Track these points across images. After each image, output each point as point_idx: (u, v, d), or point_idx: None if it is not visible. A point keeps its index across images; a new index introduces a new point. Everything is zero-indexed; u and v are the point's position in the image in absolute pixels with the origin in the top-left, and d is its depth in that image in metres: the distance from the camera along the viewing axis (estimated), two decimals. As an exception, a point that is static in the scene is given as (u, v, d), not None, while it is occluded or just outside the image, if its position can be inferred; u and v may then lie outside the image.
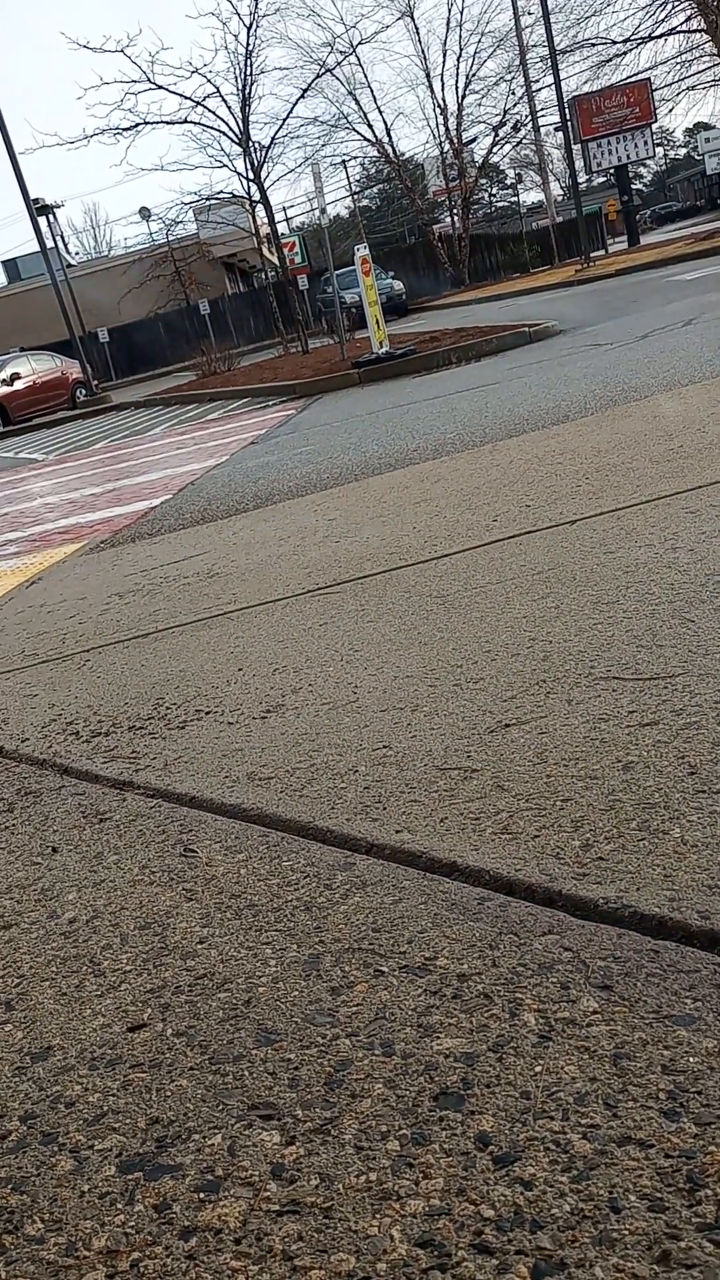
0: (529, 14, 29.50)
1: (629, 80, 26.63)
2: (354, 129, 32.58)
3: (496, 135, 32.71)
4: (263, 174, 19.72)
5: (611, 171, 28.16)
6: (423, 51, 42.22)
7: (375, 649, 2.15)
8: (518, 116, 31.95)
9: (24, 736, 2.16)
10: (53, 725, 2.19)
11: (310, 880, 1.33)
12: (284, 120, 21.97)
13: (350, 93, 32.12)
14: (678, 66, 26.64)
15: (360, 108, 34.28)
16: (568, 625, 1.99)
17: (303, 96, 28.82)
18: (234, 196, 22.10)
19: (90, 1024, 1.15)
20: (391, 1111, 0.92)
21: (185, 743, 1.90)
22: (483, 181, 38.12)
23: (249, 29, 18.71)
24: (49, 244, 22.03)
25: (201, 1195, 0.89)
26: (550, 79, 26.73)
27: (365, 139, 32.60)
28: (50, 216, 22.64)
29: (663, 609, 1.94)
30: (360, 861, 1.34)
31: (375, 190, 46.05)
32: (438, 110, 32.76)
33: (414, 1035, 1.01)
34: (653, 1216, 0.76)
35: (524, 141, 34.08)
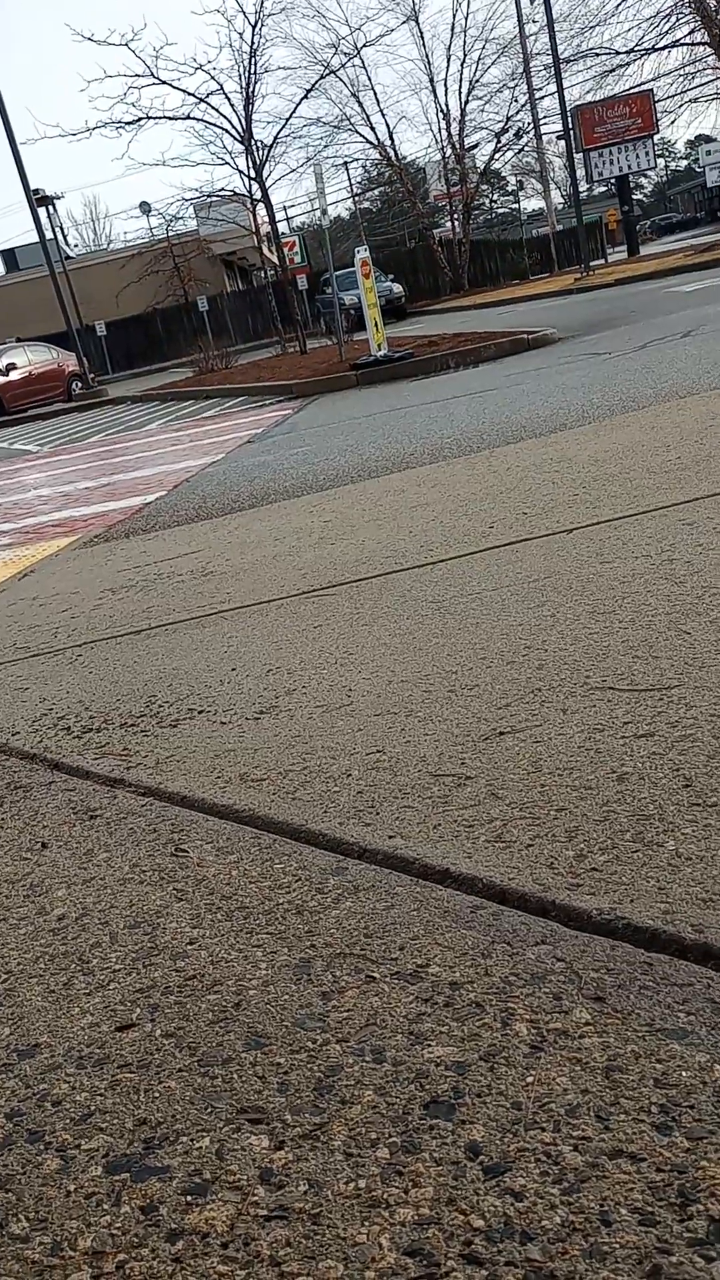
0: (533, 22, 29.57)
1: (632, 91, 26.74)
2: (356, 131, 32.56)
3: (498, 142, 32.78)
4: (264, 173, 19.72)
5: (612, 181, 28.27)
6: (427, 56, 42.29)
7: (370, 653, 2.15)
8: (520, 124, 32.02)
9: (15, 730, 2.15)
10: (44, 720, 2.18)
11: (302, 884, 1.32)
12: (287, 120, 22.00)
13: (354, 94, 32.06)
14: (680, 79, 26.76)
15: (363, 110, 34.28)
16: (563, 634, 1.99)
17: (306, 96, 28.74)
18: (235, 194, 22.09)
19: (78, 1022, 1.14)
20: (381, 1119, 0.92)
21: (177, 741, 1.89)
22: (484, 188, 38.20)
23: (254, 27, 18.77)
24: (48, 235, 21.95)
25: (189, 1198, 0.88)
26: (553, 87, 26.79)
27: (368, 141, 32.62)
28: (50, 208, 22.55)
29: (659, 620, 1.95)
30: (352, 866, 1.34)
31: (376, 193, 46.05)
32: (440, 115, 32.80)
33: (405, 1042, 1.00)
34: (644, 1230, 0.76)
35: (526, 149, 34.17)
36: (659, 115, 26.95)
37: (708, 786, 1.33)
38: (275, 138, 20.41)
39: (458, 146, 32.50)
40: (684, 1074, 0.89)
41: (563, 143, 28.39)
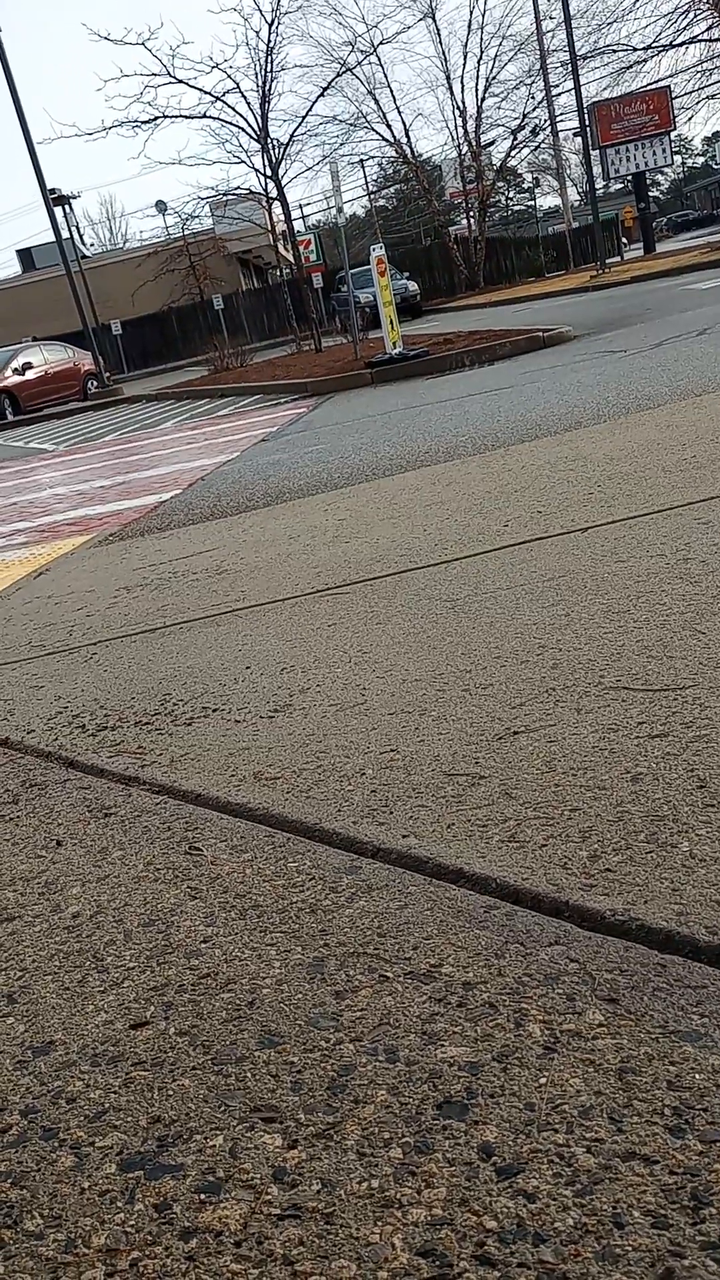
0: (550, 19, 29.43)
1: (649, 88, 26.59)
2: (373, 128, 32.52)
3: (515, 139, 32.66)
4: (280, 171, 19.72)
5: (629, 178, 28.12)
6: (443, 53, 42.14)
7: (384, 651, 2.15)
8: (536, 121, 31.88)
9: (30, 728, 2.16)
10: (59, 718, 2.19)
11: (316, 882, 1.32)
12: (303, 118, 22.04)
13: (370, 92, 32.01)
14: (698, 75, 26.59)
15: (379, 107, 34.29)
16: (578, 633, 1.99)
17: (322, 95, 28.74)
18: (251, 193, 22.10)
19: (93, 1020, 1.15)
20: (394, 1118, 0.92)
21: (192, 740, 1.90)
22: (500, 185, 38.07)
23: (270, 25, 18.73)
24: (64, 234, 22.03)
25: (202, 1196, 0.88)
26: (570, 84, 26.69)
27: (384, 139, 32.57)
28: (66, 207, 22.63)
29: (674, 620, 1.94)
30: (366, 865, 1.34)
31: (392, 190, 45.99)
32: (457, 112, 32.70)
33: (418, 1042, 1.00)
34: (656, 1233, 0.76)
35: (542, 146, 34.05)
36: (676, 112, 26.79)
37: (723, 787, 1.32)
38: (291, 136, 20.42)
39: (474, 144, 32.41)
40: (697, 1076, 0.89)
41: (579, 140, 28.28)
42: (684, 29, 25.05)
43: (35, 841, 1.63)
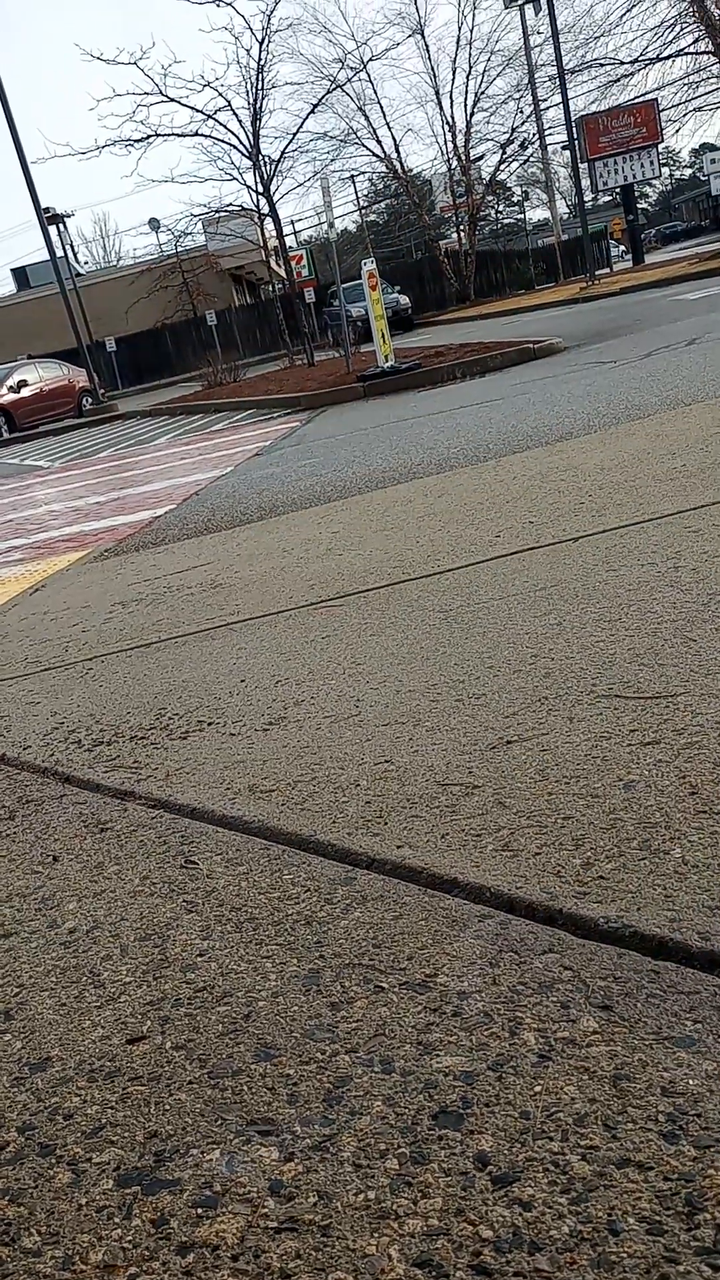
0: (538, 34, 29.75)
1: (636, 101, 26.84)
2: (363, 144, 32.76)
3: (504, 153, 32.90)
4: (272, 187, 19.84)
5: (617, 191, 28.35)
6: (432, 69, 42.44)
7: (378, 663, 2.16)
8: (525, 135, 32.15)
9: (25, 744, 2.16)
10: (55, 733, 2.19)
11: (311, 894, 1.33)
12: (294, 135, 22.15)
13: (360, 108, 32.25)
14: (685, 88, 26.79)
15: (370, 123, 34.52)
16: (570, 642, 2.00)
17: (313, 111, 29.02)
18: (243, 209, 22.23)
19: (89, 1035, 1.15)
20: (390, 1129, 0.92)
21: (187, 753, 1.90)
22: (489, 198, 38.30)
23: (261, 44, 18.85)
24: (58, 253, 22.16)
25: (199, 1211, 0.89)
26: (558, 98, 26.93)
27: (374, 154, 32.80)
28: (60, 226, 22.79)
29: (665, 628, 1.95)
30: (361, 876, 1.34)
31: (383, 205, 46.26)
32: (446, 127, 32.98)
33: (414, 1053, 1.01)
34: (651, 1240, 0.76)
35: (531, 160, 34.32)
36: (663, 124, 27.05)
37: (714, 794, 1.33)
38: (283, 153, 20.54)
39: (463, 158, 32.66)
40: (691, 1082, 0.89)
41: (568, 153, 28.52)
42: (671, 42, 25.29)
43: (32, 857, 1.63)
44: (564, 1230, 0.79)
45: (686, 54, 25.54)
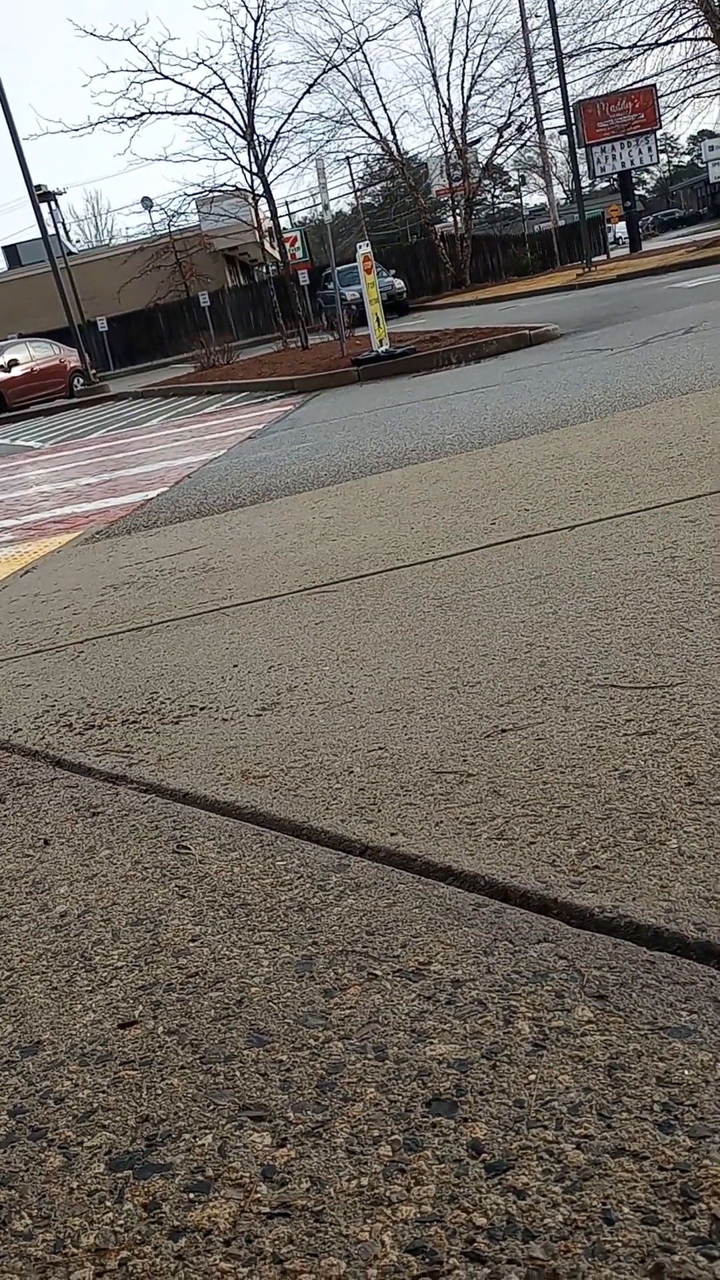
0: (536, 17, 29.50)
1: (634, 86, 26.65)
2: (359, 126, 32.47)
3: (501, 137, 32.67)
4: (266, 168, 19.67)
5: (615, 177, 28.21)
6: (429, 50, 42.12)
7: (371, 649, 2.15)
8: (522, 119, 31.91)
9: (16, 727, 2.15)
10: (46, 716, 2.18)
11: (304, 881, 1.32)
12: (289, 115, 21.92)
13: (356, 89, 31.96)
14: (683, 74, 26.59)
15: (365, 105, 34.33)
16: (565, 631, 1.99)
17: (308, 91, 28.64)
18: (237, 189, 22.04)
19: (81, 1019, 1.14)
20: (384, 1116, 0.92)
21: (179, 738, 1.89)
22: (486, 183, 38.10)
23: (256, 22, 18.75)
24: (50, 231, 21.92)
25: (191, 1195, 0.88)
26: (556, 82, 26.71)
27: (370, 136, 32.52)
28: (52, 203, 22.53)
29: (661, 617, 1.94)
30: (354, 863, 1.34)
31: (378, 188, 45.91)
32: (443, 110, 32.73)
33: (407, 1040, 1.00)
34: (646, 1229, 0.76)
35: (528, 144, 34.09)
36: (662, 110, 26.89)
37: (710, 784, 1.33)
38: (277, 133, 20.36)
39: (460, 141, 32.42)
40: (686, 1072, 0.89)
41: (565, 138, 28.32)
42: (669, 28, 25.06)
43: (23, 841, 1.63)
44: (558, 1218, 0.79)
45: (685, 40, 25.34)
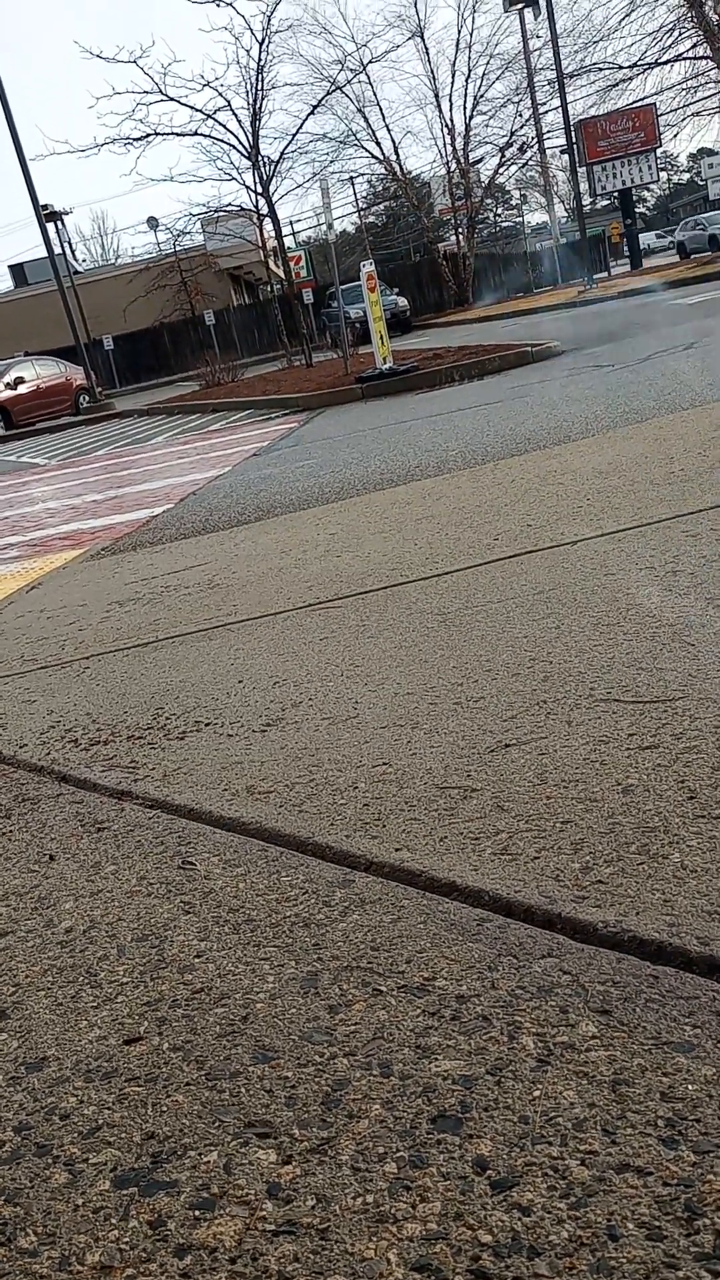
0: (537, 38, 29.75)
1: (634, 105, 26.88)
2: (362, 146, 32.76)
3: (503, 156, 32.93)
4: (271, 188, 19.85)
5: (615, 195, 28.41)
6: (432, 72, 42.45)
7: (376, 665, 2.16)
8: (524, 138, 32.17)
9: (22, 742, 2.16)
10: (51, 732, 2.19)
11: (309, 896, 1.33)
12: (293, 135, 22.21)
13: (359, 110, 32.25)
14: (683, 93, 26.83)
15: (369, 125, 34.53)
16: (568, 646, 2.00)
17: (313, 112, 29.00)
18: (242, 209, 22.22)
19: (86, 1035, 1.14)
20: (389, 1133, 0.92)
21: (184, 754, 1.90)
22: (488, 201, 38.37)
23: (261, 44, 18.86)
24: (56, 250, 22.14)
25: (197, 1213, 0.88)
26: (557, 102, 26.95)
27: (373, 156, 32.80)
28: (59, 223, 22.77)
29: (663, 632, 1.95)
30: (359, 879, 1.34)
31: (382, 207, 46.27)
32: (445, 130, 32.97)
33: (412, 1056, 1.01)
34: (651, 1245, 0.76)
35: (530, 163, 34.35)
36: (661, 129, 27.11)
37: (712, 799, 1.33)
38: (282, 153, 20.54)
39: (462, 161, 32.68)
40: (690, 1087, 0.89)
41: (566, 157, 28.55)
42: (669, 47, 25.32)
43: (28, 856, 1.63)
44: (563, 1235, 0.79)
45: (685, 59, 25.60)
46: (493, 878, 1.26)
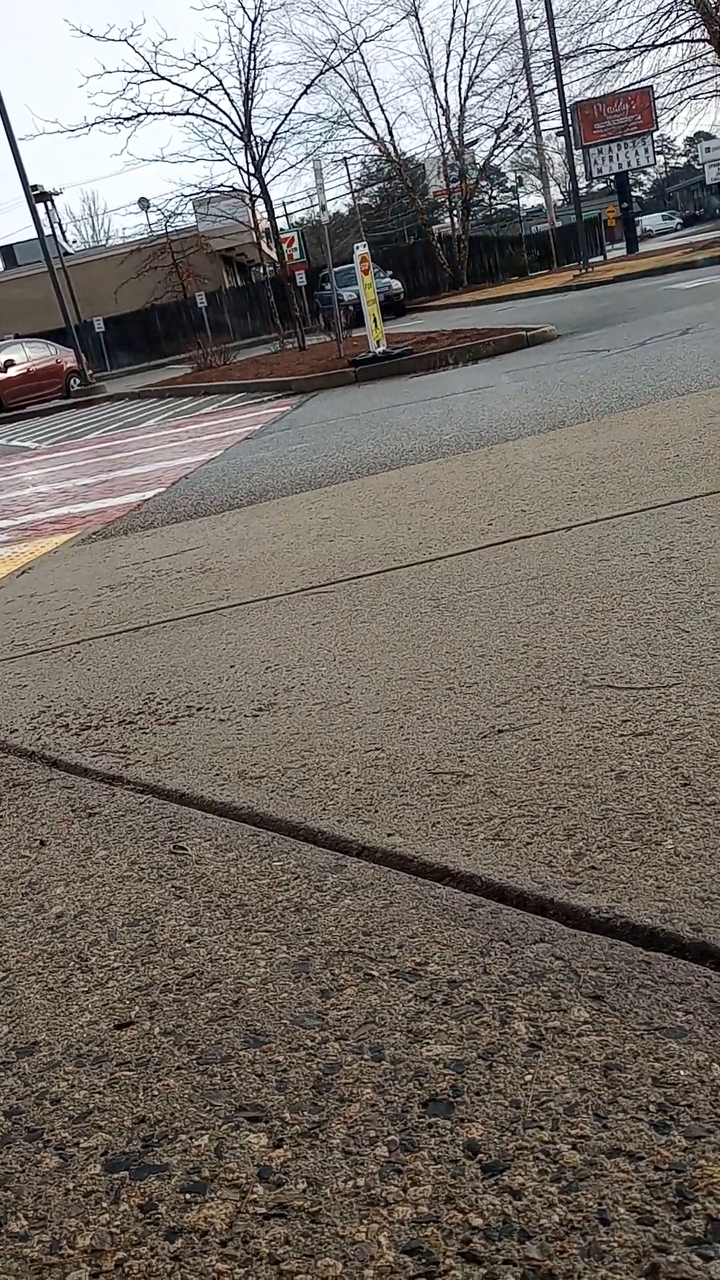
0: (533, 18, 29.50)
1: (631, 87, 26.67)
2: (356, 126, 32.51)
3: (498, 138, 32.73)
4: (264, 169, 19.68)
5: (611, 178, 28.25)
6: (426, 52, 42.21)
7: (368, 650, 2.15)
8: (519, 120, 31.96)
9: (12, 727, 2.15)
10: (42, 717, 2.18)
11: (301, 881, 1.32)
12: (286, 115, 21.91)
13: (353, 90, 31.99)
14: (680, 75, 26.59)
15: (363, 105, 34.34)
16: (562, 632, 1.99)
17: (306, 92, 28.74)
18: (234, 190, 22.04)
19: (77, 1020, 1.14)
20: (380, 1117, 0.92)
21: (176, 739, 1.89)
22: (483, 184, 38.14)
23: (253, 22, 18.77)
24: (47, 231, 21.91)
25: (188, 1196, 0.88)
26: (553, 84, 26.75)
27: (367, 137, 32.55)
28: (49, 203, 22.51)
29: (657, 619, 1.95)
30: (351, 864, 1.34)
31: (376, 189, 45.95)
32: (440, 111, 32.74)
33: (404, 1041, 1.00)
34: (642, 1229, 0.76)
35: (525, 145, 34.13)
36: (658, 112, 26.92)
37: (706, 785, 1.33)
38: (275, 133, 20.37)
39: (457, 142, 32.46)
40: (682, 1073, 0.90)
41: (562, 139, 28.37)
42: (666, 29, 25.07)
43: (19, 841, 1.62)
44: (554, 1219, 0.79)
45: (682, 41, 25.36)
46: (485, 863, 1.26)
